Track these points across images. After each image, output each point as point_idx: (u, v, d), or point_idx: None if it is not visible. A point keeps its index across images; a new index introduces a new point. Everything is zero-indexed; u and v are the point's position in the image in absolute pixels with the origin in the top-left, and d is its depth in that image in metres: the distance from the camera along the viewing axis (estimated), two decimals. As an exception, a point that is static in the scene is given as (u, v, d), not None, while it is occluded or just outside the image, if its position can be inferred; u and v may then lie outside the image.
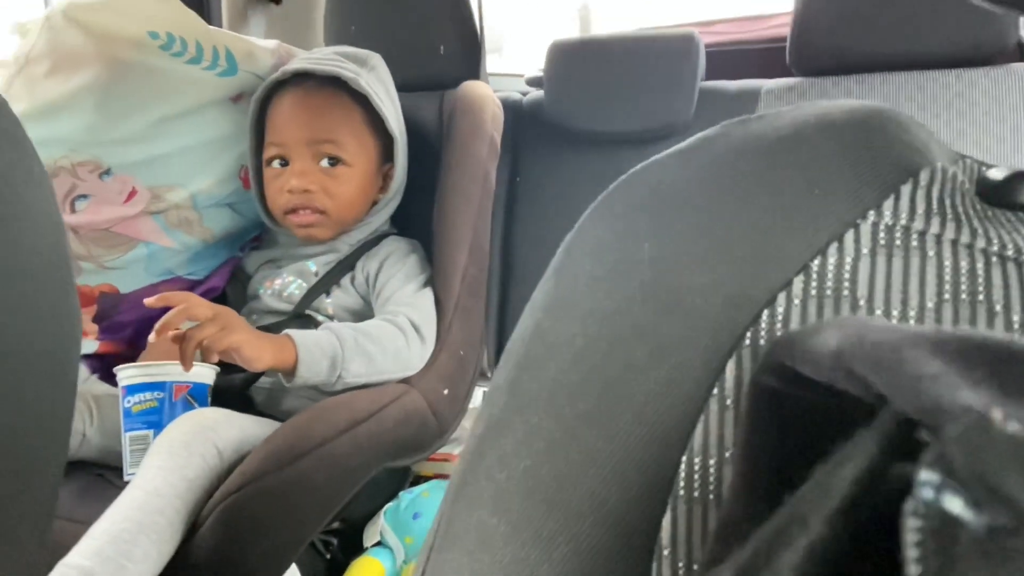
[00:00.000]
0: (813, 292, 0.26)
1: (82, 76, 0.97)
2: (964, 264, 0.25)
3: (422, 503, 0.99)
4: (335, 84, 1.04)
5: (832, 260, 0.26)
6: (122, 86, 0.99)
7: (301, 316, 1.02)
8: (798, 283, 0.26)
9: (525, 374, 0.31)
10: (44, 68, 0.98)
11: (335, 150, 1.03)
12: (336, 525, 0.95)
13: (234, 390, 0.99)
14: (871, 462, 0.15)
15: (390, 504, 1.00)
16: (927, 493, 0.12)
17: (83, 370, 1.05)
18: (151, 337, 0.80)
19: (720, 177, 0.28)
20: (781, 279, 0.27)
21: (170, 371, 0.88)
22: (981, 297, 0.24)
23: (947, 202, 0.26)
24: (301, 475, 0.76)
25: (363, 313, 1.05)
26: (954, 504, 0.12)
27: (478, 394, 1.29)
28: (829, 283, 0.26)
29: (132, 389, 0.90)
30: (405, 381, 0.95)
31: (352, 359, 0.89)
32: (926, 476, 0.12)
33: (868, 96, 1.23)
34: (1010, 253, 0.25)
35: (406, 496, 1.00)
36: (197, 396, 0.91)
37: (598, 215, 0.31)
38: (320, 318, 1.03)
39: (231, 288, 1.17)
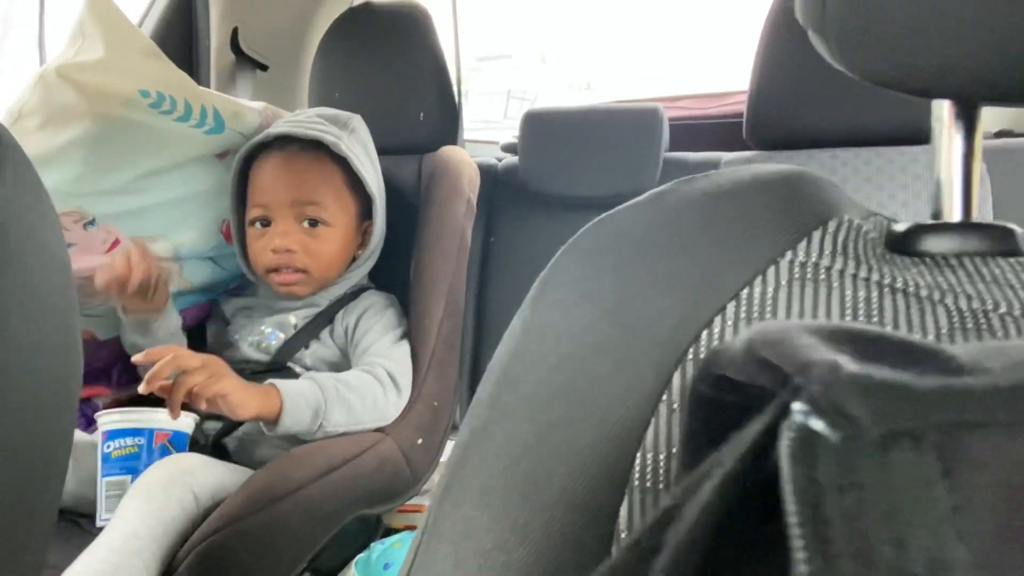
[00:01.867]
0: (743, 315, 0.31)
1: (72, 130, 1.01)
2: (862, 294, 0.30)
3: (393, 554, 0.99)
4: (317, 147, 1.08)
5: (758, 290, 0.31)
6: (110, 140, 1.02)
7: (281, 368, 1.04)
8: (731, 308, 0.31)
9: (504, 389, 0.35)
10: (36, 122, 1.01)
11: (316, 212, 1.07)
12: (307, 575, 0.95)
13: (208, 439, 1.00)
14: (770, 421, 0.19)
15: (361, 555, 1.00)
16: (798, 417, 0.17)
17: (57, 418, 1.04)
18: (141, 388, 0.82)
19: (670, 224, 0.34)
20: (717, 305, 0.32)
21: (152, 418, 0.89)
22: (875, 320, 0.29)
23: (850, 245, 0.32)
24: (278, 519, 0.77)
25: (340, 365, 1.07)
26: (816, 423, 0.17)
27: (449, 446, 1.31)
28: (755, 307, 0.31)
29: (113, 434, 0.91)
30: (380, 430, 0.97)
31: (333, 409, 0.91)
32: (798, 407, 0.17)
33: (817, 170, 1.32)
34: (899, 286, 0.29)
35: (377, 547, 1.00)
36: (177, 444, 0.92)
37: (569, 254, 0.36)
38: (298, 369, 1.05)
39: (211, 327, 1.18)
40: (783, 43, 1.29)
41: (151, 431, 0.92)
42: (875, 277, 0.30)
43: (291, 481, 0.80)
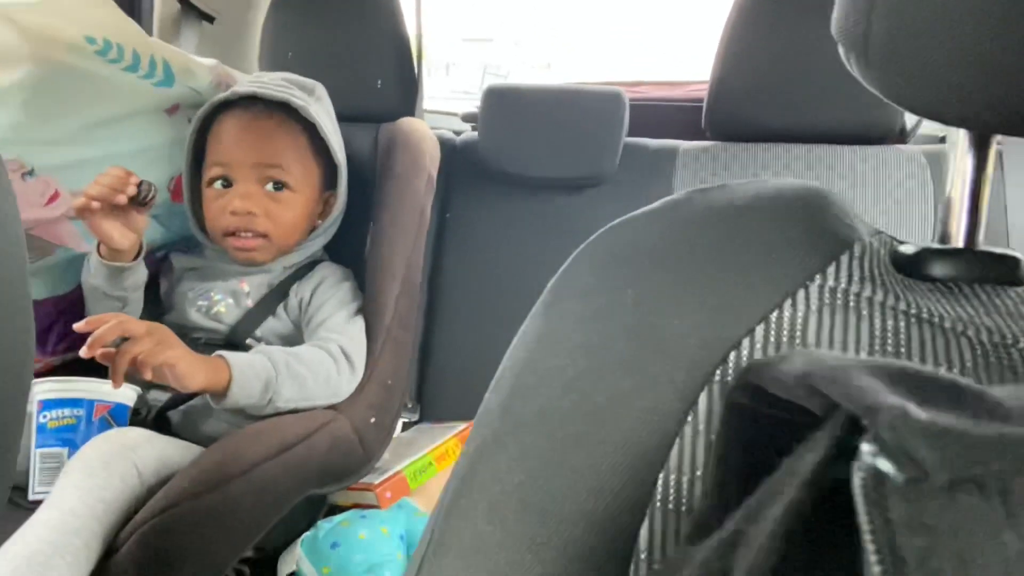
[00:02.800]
0: (772, 339, 0.31)
1: (11, 74, 0.93)
2: (890, 323, 0.30)
3: (341, 532, 0.98)
4: (283, 110, 1.04)
5: (787, 313, 0.31)
6: (53, 87, 0.95)
7: (238, 344, 1.00)
8: (759, 331, 0.31)
9: (517, 400, 0.34)
10: (-29, 63, 0.93)
11: (281, 175, 1.03)
12: (250, 554, 0.93)
13: (152, 412, 0.96)
14: (827, 449, 0.20)
15: (307, 533, 0.98)
16: (867, 458, 0.18)
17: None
18: (82, 352, 0.77)
19: (690, 239, 0.33)
20: (745, 327, 0.31)
21: (92, 388, 0.85)
22: (903, 351, 0.30)
23: (875, 271, 0.32)
24: (229, 499, 0.74)
25: (293, 338, 1.04)
26: (884, 465, 0.18)
27: (399, 425, 1.29)
28: (785, 332, 0.31)
29: (49, 404, 0.86)
30: (333, 407, 0.95)
31: (284, 384, 0.88)
32: (866, 448, 0.18)
33: (772, 163, 1.35)
34: (924, 316, 0.30)
35: (324, 525, 0.99)
36: (117, 416, 0.88)
37: (581, 262, 0.35)
38: (249, 341, 1.02)
39: (164, 284, 1.13)
40: (747, 37, 1.30)
41: (91, 402, 0.87)
42: (901, 306, 0.30)
43: (244, 460, 0.78)
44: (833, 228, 0.33)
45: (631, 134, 1.45)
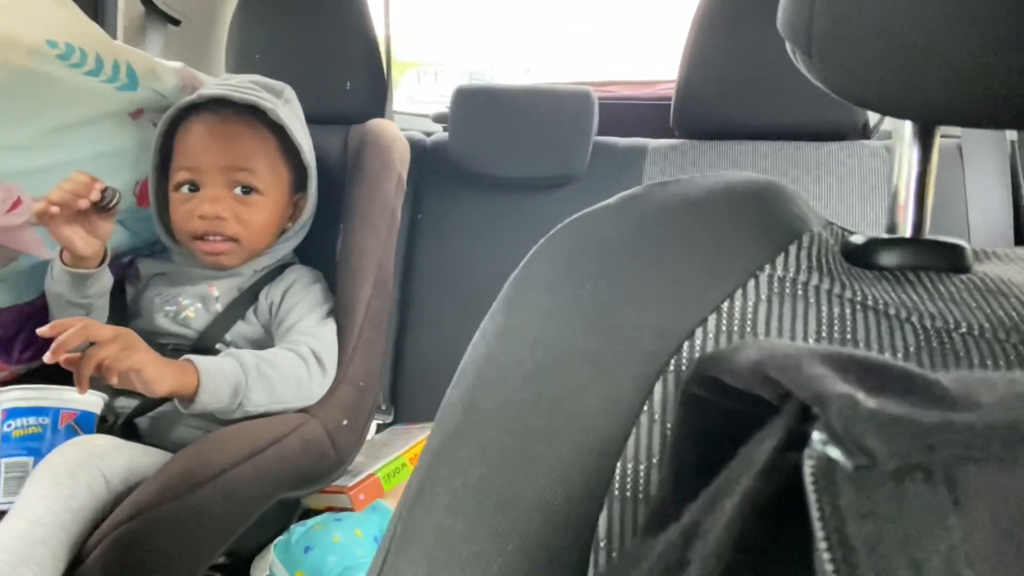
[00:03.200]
0: (724, 328, 0.32)
1: (-31, 79, 0.92)
2: (836, 310, 0.31)
3: (314, 536, 0.98)
4: (251, 113, 1.04)
5: (739, 303, 0.32)
6: (13, 92, 0.94)
7: (207, 350, 0.99)
8: (712, 320, 0.32)
9: (479, 394, 0.34)
10: (-73, 68, 0.92)
11: (250, 178, 1.03)
12: (223, 559, 0.92)
13: (119, 419, 0.95)
14: (781, 438, 0.21)
15: (280, 537, 0.98)
16: (818, 446, 0.19)
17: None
18: (46, 357, 0.76)
19: (648, 232, 0.34)
20: (698, 317, 0.32)
21: (57, 396, 0.84)
22: (849, 337, 0.30)
23: (823, 260, 0.33)
24: (199, 505, 0.74)
25: (263, 342, 1.03)
26: (834, 452, 0.18)
27: (372, 427, 1.29)
28: (736, 321, 0.32)
29: (14, 413, 0.85)
30: (304, 411, 0.94)
31: (254, 387, 0.88)
32: (817, 436, 0.19)
33: (739, 160, 1.37)
34: (869, 303, 0.31)
35: (297, 529, 0.98)
36: (83, 424, 0.87)
37: (543, 256, 0.36)
38: (219, 346, 1.01)
39: (130, 290, 1.11)
40: (712, 37, 1.32)
41: (56, 410, 0.86)
42: (848, 294, 0.31)
43: (212, 465, 0.77)
44: (783, 219, 0.34)
45: (601, 133, 1.46)
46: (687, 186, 0.36)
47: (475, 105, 1.39)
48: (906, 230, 0.35)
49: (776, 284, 0.32)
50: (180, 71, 1.12)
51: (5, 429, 0.84)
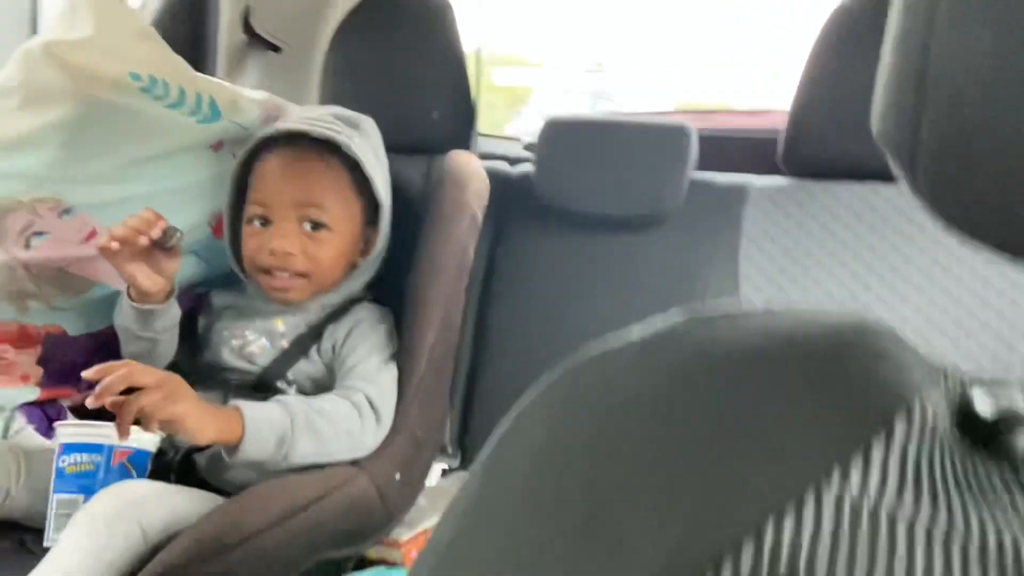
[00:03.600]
0: (764, 567, 0.21)
1: (53, 112, 0.94)
2: (939, 565, 0.20)
3: (363, 592, 0.93)
4: (326, 146, 1.02)
5: (788, 530, 0.21)
6: (95, 125, 0.95)
7: (268, 387, 0.97)
8: (747, 552, 0.22)
9: (446, 569, 0.27)
10: (15, 101, 0.94)
11: (319, 214, 1.00)
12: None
13: (178, 453, 0.94)
14: None
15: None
16: None
17: (18, 420, 0.99)
18: (89, 402, 0.75)
19: (674, 395, 0.25)
20: (730, 538, 0.22)
21: (112, 433, 0.83)
22: None
23: (923, 465, 0.22)
24: (227, 571, 0.70)
25: (324, 382, 1.00)
26: None
27: (436, 470, 1.24)
28: (783, 562, 0.21)
29: (69, 448, 0.85)
30: (355, 463, 0.90)
31: (300, 438, 0.84)
32: None
33: (855, 204, 1.22)
34: (1008, 556, 0.20)
35: (347, 583, 0.94)
36: (137, 463, 0.86)
37: (536, 409, 0.27)
38: (280, 384, 0.99)
39: (203, 321, 1.11)
40: (832, 63, 1.19)
41: (110, 448, 0.85)
42: (958, 536, 0.21)
43: (244, 527, 0.73)
44: (870, 396, 0.24)
45: (702, 166, 1.36)
46: (740, 327, 0.26)
47: (563, 137, 1.32)
48: None
49: (847, 511, 0.21)
50: (264, 102, 1.12)
51: (60, 464, 0.84)
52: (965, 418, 0.24)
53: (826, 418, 0.23)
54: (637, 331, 0.28)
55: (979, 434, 0.23)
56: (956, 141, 0.20)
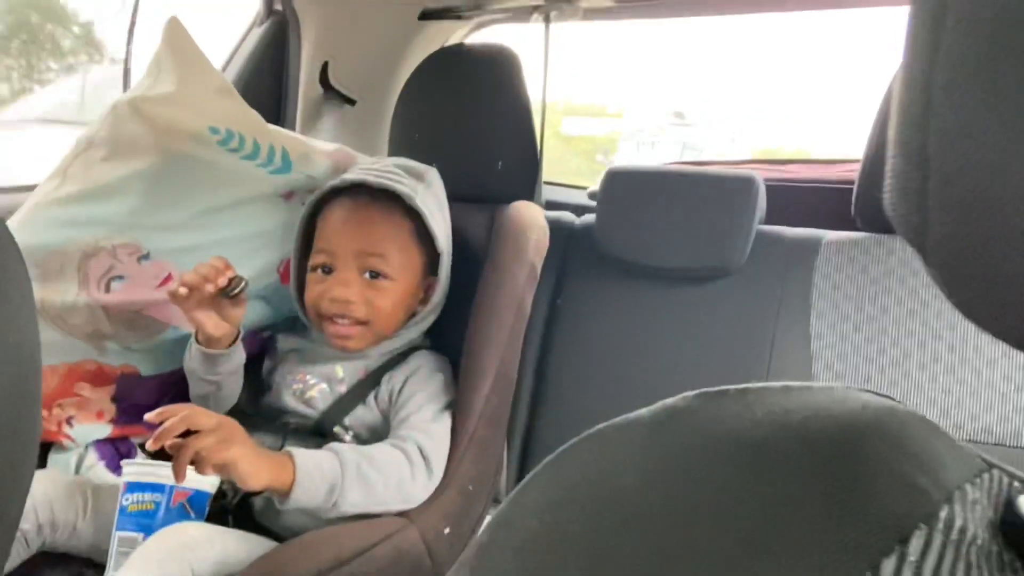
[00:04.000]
0: None
1: (137, 163, 1.00)
2: None
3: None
4: (389, 197, 1.04)
5: None
6: (173, 175, 1.01)
7: (326, 433, 0.98)
8: None
9: None
10: (102, 153, 1.01)
11: (380, 264, 1.02)
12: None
13: (236, 495, 0.96)
14: None
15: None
16: None
17: (90, 456, 1.03)
18: (148, 444, 0.78)
19: (675, 490, 0.23)
20: None
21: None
22: None
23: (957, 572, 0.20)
24: (269, 619, 0.70)
25: (380, 430, 1.01)
26: None
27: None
28: None
29: (133, 487, 0.88)
30: (403, 514, 0.89)
31: (351, 487, 0.84)
32: None
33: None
34: None
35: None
36: (196, 504, 0.88)
37: (529, 491, 0.26)
38: (337, 430, 1.00)
39: (267, 363, 1.14)
40: None
41: (171, 488, 0.88)
42: None
43: (288, 576, 0.74)
44: (885, 502, 0.21)
45: (771, 219, 1.32)
46: (752, 407, 0.25)
47: (626, 187, 1.31)
48: None
49: None
50: (334, 153, 1.15)
51: (123, 502, 0.87)
52: (1010, 525, 0.21)
53: (833, 532, 0.20)
54: (647, 411, 0.26)
55: (1022, 546, 0.21)
56: (962, 221, 0.19)
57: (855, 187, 1.22)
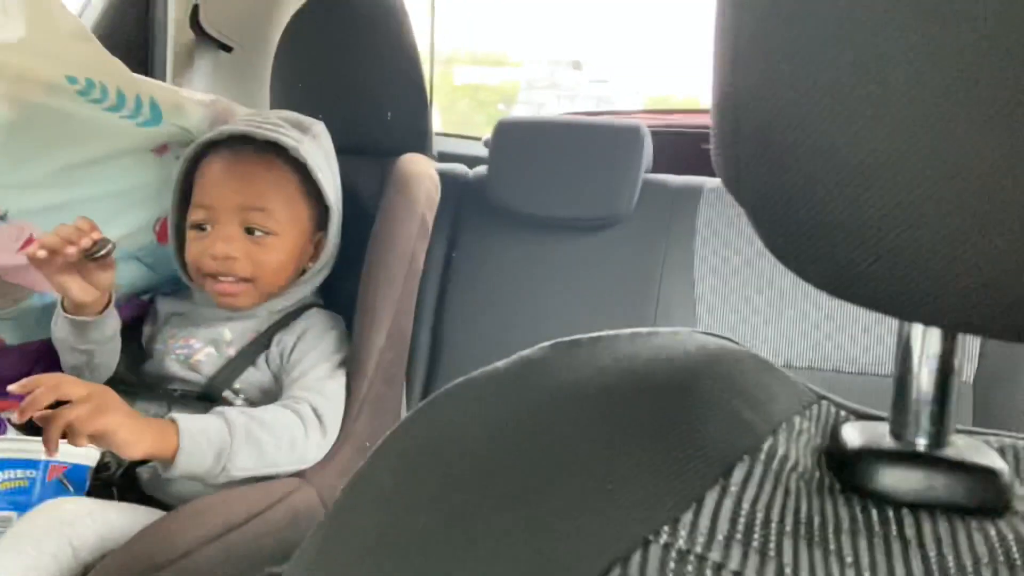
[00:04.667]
0: None
1: (-15, 116, 0.91)
2: None
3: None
4: (272, 149, 1.00)
5: None
6: (28, 129, 0.93)
7: (215, 398, 0.95)
8: None
9: None
10: (-58, 105, 0.91)
11: (263, 219, 0.98)
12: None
13: (120, 467, 0.91)
14: None
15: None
16: None
17: (-48, 433, 0.96)
18: (14, 417, 0.73)
19: (516, 441, 0.24)
20: None
21: None
22: None
23: (758, 515, 0.21)
24: (159, 589, 0.68)
25: (273, 392, 0.98)
26: None
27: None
28: None
29: (3, 464, 0.82)
30: (299, 475, 0.88)
31: (240, 451, 0.82)
32: None
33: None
34: None
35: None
36: (74, 479, 0.83)
37: (386, 452, 0.26)
38: (227, 394, 0.97)
39: (147, 329, 1.09)
40: None
41: (46, 463, 0.83)
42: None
43: (177, 545, 0.71)
44: (713, 438, 0.23)
45: (659, 167, 1.35)
46: (598, 357, 0.26)
47: (516, 139, 1.31)
48: (918, 438, 0.24)
49: (674, 556, 0.20)
50: (211, 104, 1.09)
51: (-8, 481, 0.82)
52: (833, 448, 0.23)
53: (661, 465, 0.22)
54: (503, 363, 0.27)
55: (842, 467, 0.23)
56: (768, 172, 0.20)
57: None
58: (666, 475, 0.22)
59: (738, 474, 0.22)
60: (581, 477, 0.22)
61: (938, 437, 0.23)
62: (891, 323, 1.12)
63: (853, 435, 0.23)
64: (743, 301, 1.22)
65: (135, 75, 1.00)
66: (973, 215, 0.17)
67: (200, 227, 1.00)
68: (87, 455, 0.86)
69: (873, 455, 0.22)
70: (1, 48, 0.91)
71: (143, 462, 0.92)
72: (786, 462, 0.23)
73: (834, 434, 0.24)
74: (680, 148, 1.56)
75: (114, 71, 0.96)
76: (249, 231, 0.98)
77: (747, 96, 0.20)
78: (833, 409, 0.25)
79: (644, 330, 0.27)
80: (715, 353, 0.25)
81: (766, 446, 0.23)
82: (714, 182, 1.29)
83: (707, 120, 1.46)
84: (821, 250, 0.19)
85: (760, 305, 1.20)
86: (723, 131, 0.21)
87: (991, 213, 0.17)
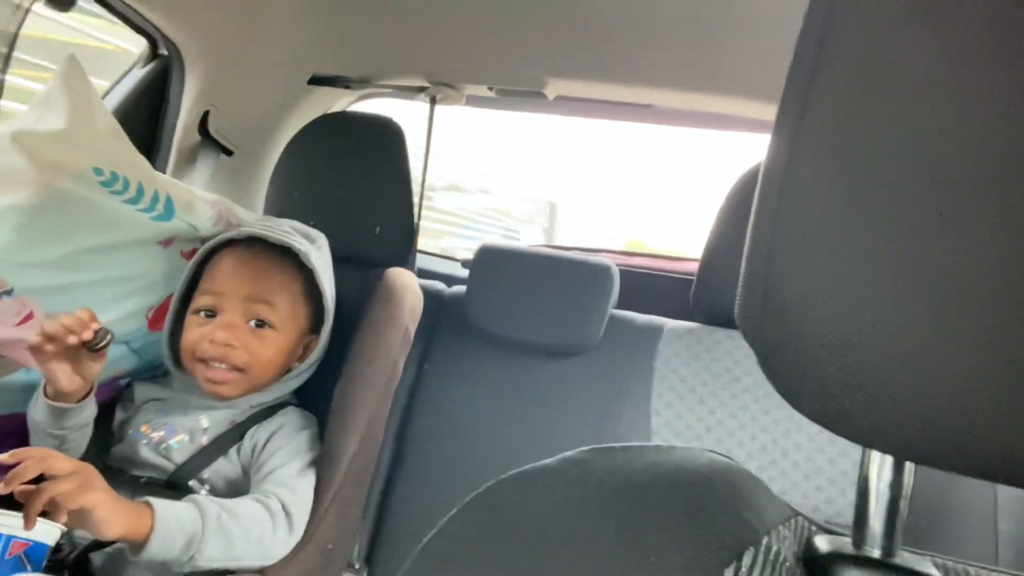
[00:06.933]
0: None
1: (12, 196, 0.96)
2: None
3: None
4: (282, 253, 1.07)
5: None
6: (50, 212, 0.98)
7: (180, 486, 0.97)
8: None
9: None
10: (-25, 182, 0.97)
11: (268, 312, 1.05)
12: None
13: (75, 551, 0.91)
14: None
15: None
16: None
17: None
18: None
19: (580, 521, 0.30)
20: None
21: (10, 523, 0.80)
22: None
23: None
24: None
25: (240, 484, 1.00)
26: None
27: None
28: None
29: None
30: (261, 572, 0.89)
31: (210, 541, 0.84)
32: None
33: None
34: None
35: None
36: (33, 557, 0.83)
37: (457, 521, 0.32)
38: (193, 483, 0.98)
39: (119, 413, 1.10)
40: (737, 223, 1.33)
41: (8, 538, 0.82)
42: None
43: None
44: (726, 529, 0.30)
45: (622, 303, 1.46)
46: (633, 458, 0.33)
47: (496, 264, 1.41)
48: (874, 549, 0.31)
49: None
50: (216, 204, 1.17)
51: (-47, 551, 0.81)
52: (808, 553, 0.30)
53: (692, 545, 0.29)
54: (552, 461, 0.34)
55: (815, 565, 0.29)
56: (785, 334, 0.27)
57: (694, 283, 1.38)
58: (699, 548, 0.28)
59: (747, 559, 0.29)
60: (628, 550, 0.28)
61: (890, 549, 0.31)
62: (829, 455, 1.18)
63: (824, 544, 0.30)
64: (695, 439, 1.29)
65: (156, 172, 1.07)
66: (916, 375, 0.24)
67: (204, 313, 1.04)
68: (48, 533, 0.86)
69: (840, 559, 0.29)
70: (40, 136, 0.98)
71: (98, 546, 0.92)
72: (779, 556, 0.30)
73: (808, 543, 0.31)
74: (644, 288, 1.67)
75: (138, 167, 1.04)
76: (253, 323, 1.03)
77: (779, 280, 0.27)
78: (806, 523, 0.32)
79: (666, 445, 0.34)
80: (723, 467, 0.33)
81: (764, 542, 0.30)
82: (673, 323, 1.39)
83: (669, 265, 1.59)
84: (815, 392, 0.27)
85: (710, 442, 1.28)
86: (751, 297, 0.28)
87: (930, 375, 0.24)
